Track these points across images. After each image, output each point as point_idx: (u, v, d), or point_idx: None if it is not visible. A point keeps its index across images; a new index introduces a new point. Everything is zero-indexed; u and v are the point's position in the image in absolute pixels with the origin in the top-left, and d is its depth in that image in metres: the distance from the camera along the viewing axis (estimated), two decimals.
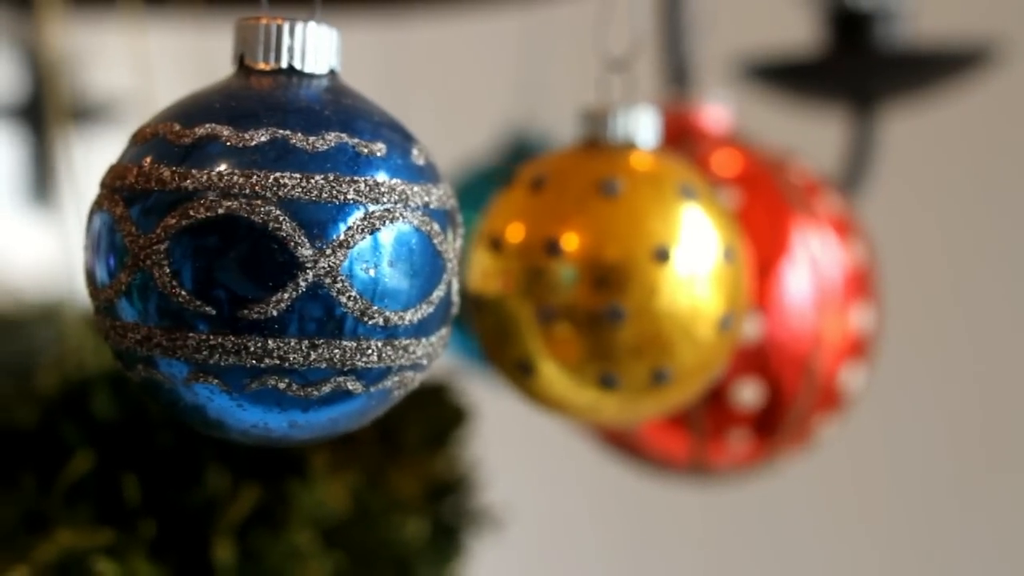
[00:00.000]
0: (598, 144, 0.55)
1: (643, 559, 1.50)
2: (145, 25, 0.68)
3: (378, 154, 0.43)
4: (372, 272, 0.42)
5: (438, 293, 0.44)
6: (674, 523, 1.44)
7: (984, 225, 1.30)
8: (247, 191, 0.40)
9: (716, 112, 0.71)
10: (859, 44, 0.81)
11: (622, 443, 0.68)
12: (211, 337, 0.41)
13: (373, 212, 0.42)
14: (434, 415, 0.67)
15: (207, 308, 0.41)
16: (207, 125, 0.42)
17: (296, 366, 0.41)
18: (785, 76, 0.84)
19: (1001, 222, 1.30)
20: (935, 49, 0.80)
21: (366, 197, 0.42)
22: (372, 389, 0.43)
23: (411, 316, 0.43)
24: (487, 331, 0.54)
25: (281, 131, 0.41)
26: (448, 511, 0.67)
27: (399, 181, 0.43)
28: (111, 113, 1.17)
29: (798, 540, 1.42)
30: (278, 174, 0.41)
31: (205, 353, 0.41)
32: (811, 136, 0.89)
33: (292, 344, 0.41)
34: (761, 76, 0.84)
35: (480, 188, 0.82)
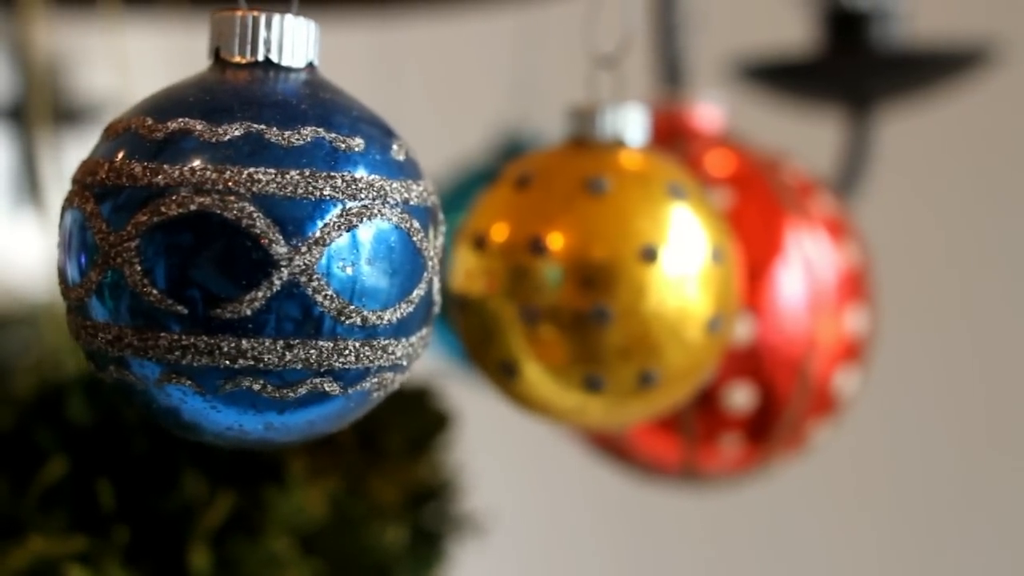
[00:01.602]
0: (586, 142, 0.54)
1: (634, 563, 1.49)
2: (125, 24, 0.67)
3: (356, 149, 0.42)
4: (350, 270, 0.41)
5: (418, 292, 0.43)
6: (666, 528, 1.43)
7: (981, 226, 1.30)
8: (220, 187, 0.39)
9: (709, 112, 0.70)
10: (855, 44, 0.80)
11: (612, 447, 0.67)
12: (183, 337, 0.40)
13: (350, 208, 0.41)
14: (415, 420, 0.66)
15: (179, 307, 0.40)
16: (180, 120, 0.41)
17: (271, 367, 0.40)
18: (780, 76, 0.83)
19: (998, 223, 1.29)
20: (931, 49, 0.79)
21: (343, 193, 0.40)
22: (350, 391, 0.42)
23: (390, 316, 0.42)
24: (470, 332, 0.53)
25: (256, 125, 0.40)
26: (429, 517, 0.65)
27: (378, 177, 0.42)
28: (100, 114, 1.16)
29: (788, 542, 1.41)
30: (252, 169, 0.40)
31: (177, 354, 0.40)
32: (807, 137, 0.88)
33: (267, 344, 0.40)
34: (756, 76, 0.83)
35: (473, 188, 0.81)
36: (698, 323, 0.51)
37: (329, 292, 0.40)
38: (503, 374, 0.52)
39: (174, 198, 0.39)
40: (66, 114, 1.11)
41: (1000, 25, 0.96)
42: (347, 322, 0.41)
